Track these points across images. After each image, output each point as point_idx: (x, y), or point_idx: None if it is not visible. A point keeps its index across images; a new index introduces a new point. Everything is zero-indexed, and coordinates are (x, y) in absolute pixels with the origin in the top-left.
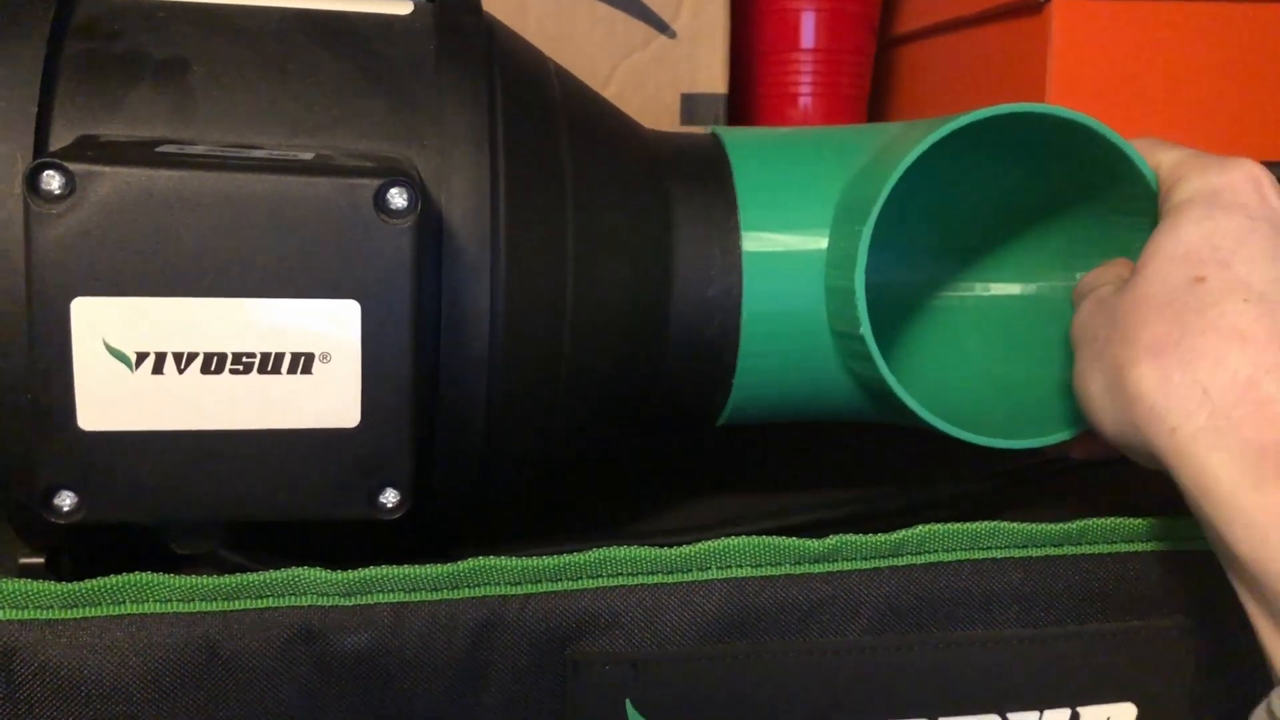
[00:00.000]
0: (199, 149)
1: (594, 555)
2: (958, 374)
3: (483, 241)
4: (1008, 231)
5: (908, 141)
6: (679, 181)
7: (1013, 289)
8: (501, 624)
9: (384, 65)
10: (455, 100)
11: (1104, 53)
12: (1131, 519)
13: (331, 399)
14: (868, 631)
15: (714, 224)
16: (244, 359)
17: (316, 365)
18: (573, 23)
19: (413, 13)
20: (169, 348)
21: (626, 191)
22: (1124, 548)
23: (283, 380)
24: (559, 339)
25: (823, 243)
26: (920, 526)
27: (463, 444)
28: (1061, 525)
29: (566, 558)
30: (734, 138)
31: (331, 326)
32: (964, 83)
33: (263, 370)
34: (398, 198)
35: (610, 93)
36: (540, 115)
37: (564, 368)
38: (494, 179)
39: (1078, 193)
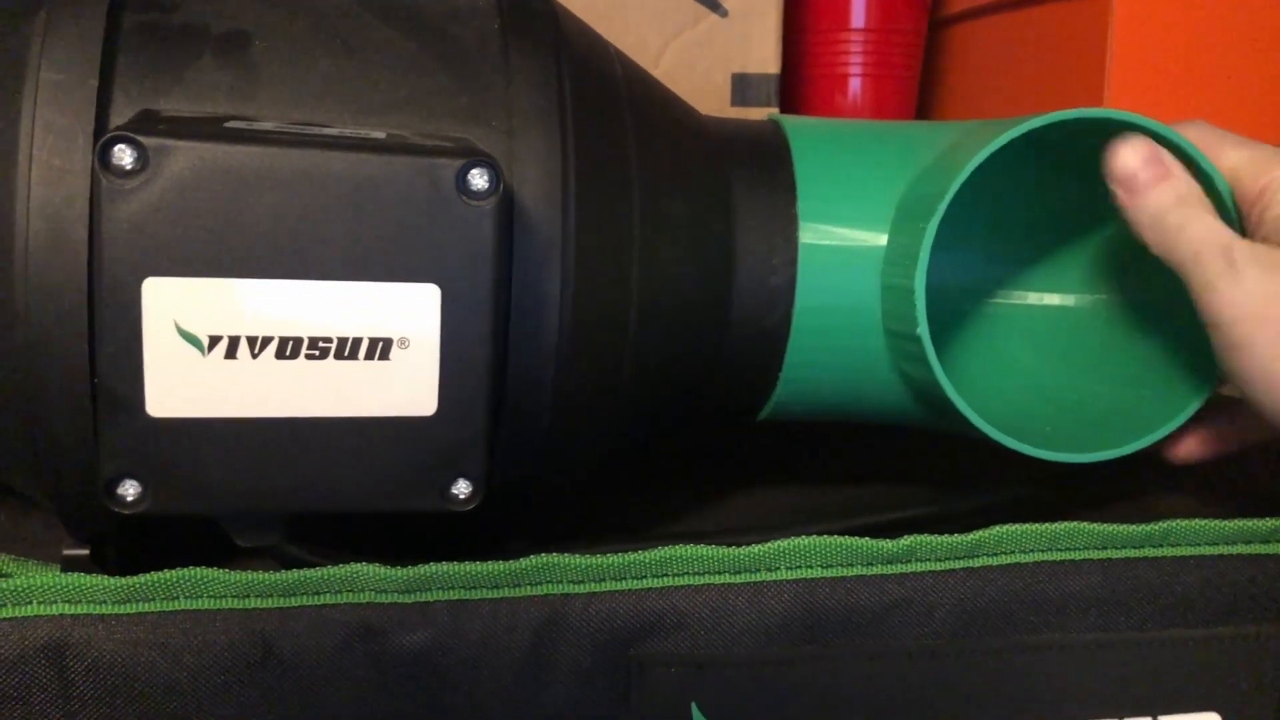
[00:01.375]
0: (269, 125)
1: (660, 553)
2: (1004, 383)
3: (553, 226)
4: (1060, 240)
5: (978, 140)
6: (740, 169)
7: (1063, 299)
8: (564, 623)
9: (450, 45)
10: (524, 82)
11: (1166, 34)
12: (1216, 521)
13: (410, 386)
14: (941, 635)
15: (775, 213)
16: (320, 344)
17: (395, 351)
18: (623, 0)
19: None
20: (243, 331)
21: (689, 178)
22: (1209, 550)
23: (360, 366)
24: (625, 326)
25: (881, 239)
26: (997, 527)
27: (527, 435)
28: (1143, 526)
29: (632, 556)
30: (795, 126)
31: (411, 311)
32: (1020, 65)
33: (340, 356)
34: (479, 179)
35: (659, 72)
36: (606, 99)
37: (628, 356)
38: (564, 163)
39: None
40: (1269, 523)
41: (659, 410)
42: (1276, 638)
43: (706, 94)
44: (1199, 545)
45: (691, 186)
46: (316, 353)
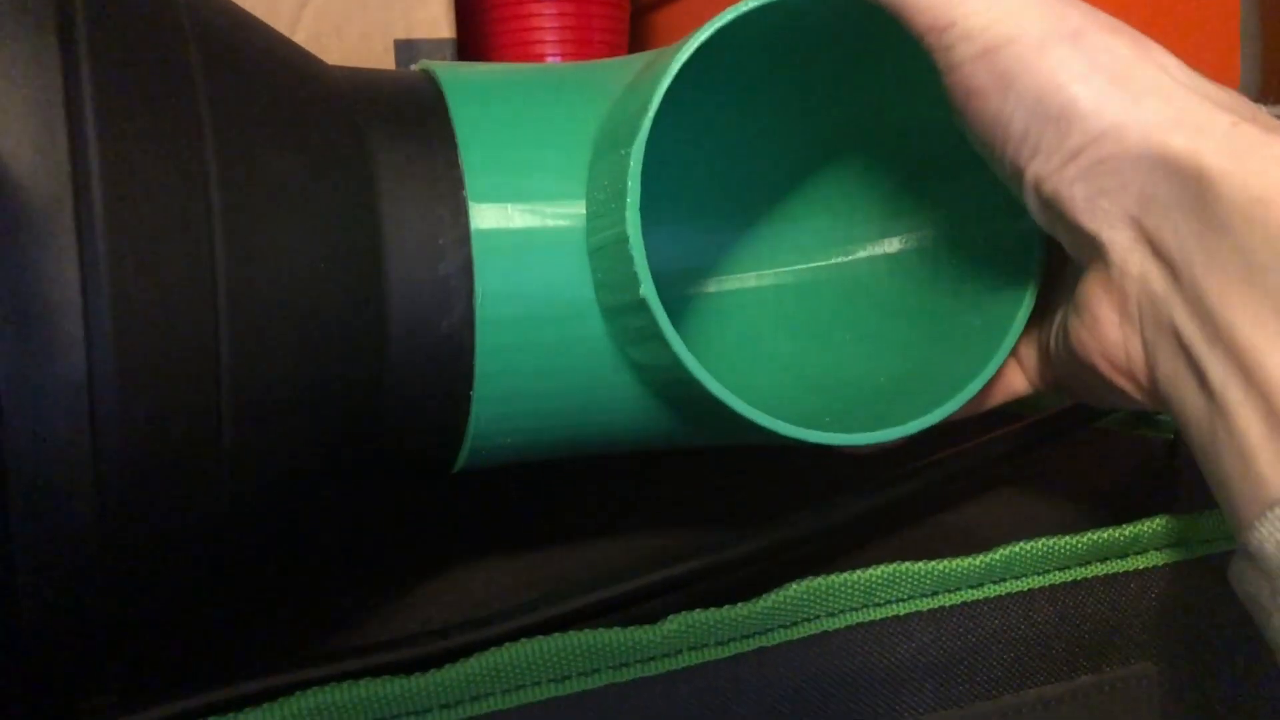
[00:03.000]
0: None
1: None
2: (763, 378)
3: (61, 208)
4: (806, 197)
5: (662, 63)
6: (380, 127)
7: (815, 265)
8: None
9: None
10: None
11: None
12: (1064, 537)
13: None
14: None
15: (434, 181)
16: None
17: None
18: None
19: None
20: None
21: (301, 131)
22: (1061, 577)
23: None
24: (210, 352)
25: (579, 202)
26: (792, 585)
27: (62, 552)
28: (979, 558)
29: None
30: (452, 74)
31: None
32: None
33: None
34: None
35: (299, 39)
36: (150, 28)
37: (222, 406)
38: (71, 113)
39: (880, 139)
40: (1127, 529)
41: (277, 496)
42: (1150, 677)
43: (363, 64)
44: (1049, 572)
45: (306, 144)
46: None
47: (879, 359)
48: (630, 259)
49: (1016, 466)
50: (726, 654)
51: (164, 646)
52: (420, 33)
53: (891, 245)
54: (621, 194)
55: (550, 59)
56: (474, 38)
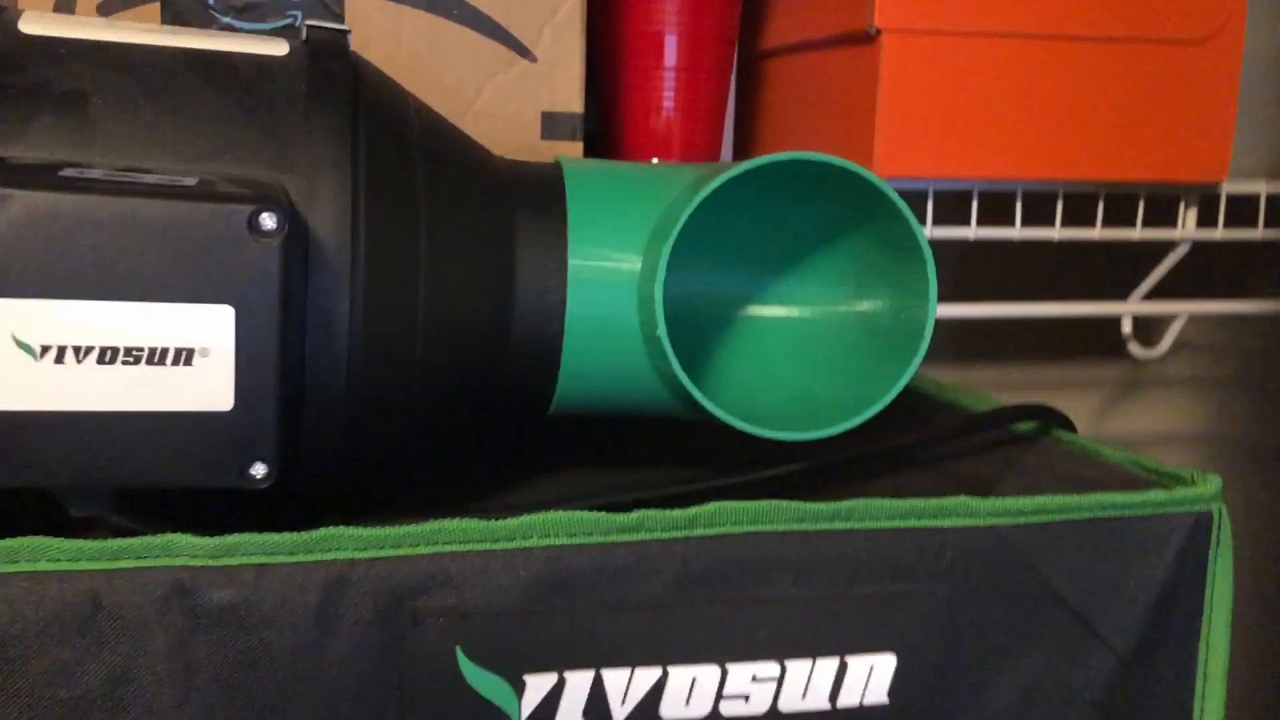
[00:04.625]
0: (97, 173)
1: (429, 526)
2: (766, 385)
3: (343, 257)
4: (808, 258)
5: (706, 180)
6: (522, 204)
7: (809, 311)
8: (349, 583)
9: (260, 101)
10: (322, 133)
11: (930, 81)
12: (892, 500)
13: (210, 387)
14: (666, 591)
15: (549, 242)
16: (133, 352)
17: (196, 359)
18: (444, 45)
19: (288, 54)
20: (69, 342)
21: (474, 214)
22: (886, 524)
23: (168, 370)
24: (412, 340)
25: (637, 261)
26: (711, 504)
27: (326, 428)
28: (834, 504)
29: (405, 528)
30: (573, 167)
31: (210, 327)
32: (811, 100)
33: (150, 362)
34: (268, 220)
35: (476, 110)
36: (398, 147)
37: (417, 364)
38: (354, 201)
39: (860, 224)
40: (933, 503)
41: (449, 410)
42: (938, 594)
43: (520, 129)
44: (879, 520)
45: (476, 222)
46: (131, 359)
47: (833, 382)
48: (654, 311)
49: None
50: (665, 536)
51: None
52: (560, 107)
53: (864, 305)
54: (656, 269)
55: (666, 113)
56: (610, 100)
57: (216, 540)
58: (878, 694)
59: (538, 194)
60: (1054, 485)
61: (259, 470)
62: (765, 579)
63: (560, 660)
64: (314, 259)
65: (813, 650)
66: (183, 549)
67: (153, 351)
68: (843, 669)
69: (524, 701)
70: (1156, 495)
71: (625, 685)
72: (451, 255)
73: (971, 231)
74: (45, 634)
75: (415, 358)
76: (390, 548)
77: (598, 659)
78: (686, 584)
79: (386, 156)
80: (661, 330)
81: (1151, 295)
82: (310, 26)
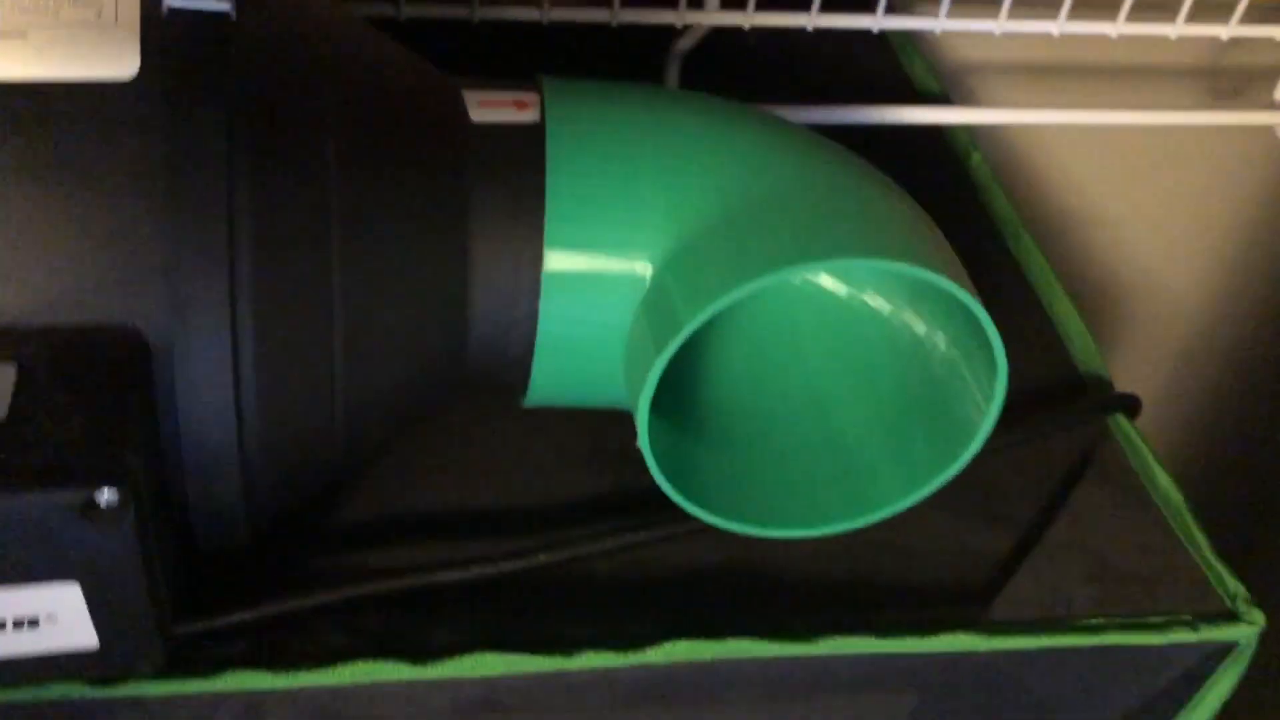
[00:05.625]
0: None
1: (355, 668)
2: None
3: (224, 374)
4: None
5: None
6: (483, 191)
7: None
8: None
9: (95, 186)
10: (192, 219)
11: None
12: (874, 638)
13: (67, 637)
14: (614, 706)
15: (518, 242)
16: None
17: (44, 623)
18: None
19: (137, 75)
20: None
21: (409, 214)
22: (862, 651)
23: (17, 634)
24: (329, 428)
25: (634, 266)
26: (664, 644)
27: (228, 531)
28: (801, 643)
29: (328, 671)
30: (558, 130)
31: (55, 598)
32: None
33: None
34: (107, 497)
35: None
36: (301, 174)
37: (338, 434)
38: (232, 293)
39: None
40: (912, 641)
41: (386, 445)
42: (905, 703)
43: None
44: (852, 649)
45: (411, 224)
46: None
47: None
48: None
49: None
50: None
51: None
52: None
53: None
54: (642, 380)
55: None
56: None
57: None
58: None
59: (507, 171)
60: (1081, 569)
61: (150, 663)
62: (721, 693)
63: None
64: (184, 386)
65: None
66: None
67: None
68: None
69: None
70: (1181, 635)
71: None
72: (377, 277)
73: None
74: None
75: (335, 428)
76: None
77: None
78: (636, 700)
79: (282, 187)
80: (643, 441)
81: None
82: (172, 10)
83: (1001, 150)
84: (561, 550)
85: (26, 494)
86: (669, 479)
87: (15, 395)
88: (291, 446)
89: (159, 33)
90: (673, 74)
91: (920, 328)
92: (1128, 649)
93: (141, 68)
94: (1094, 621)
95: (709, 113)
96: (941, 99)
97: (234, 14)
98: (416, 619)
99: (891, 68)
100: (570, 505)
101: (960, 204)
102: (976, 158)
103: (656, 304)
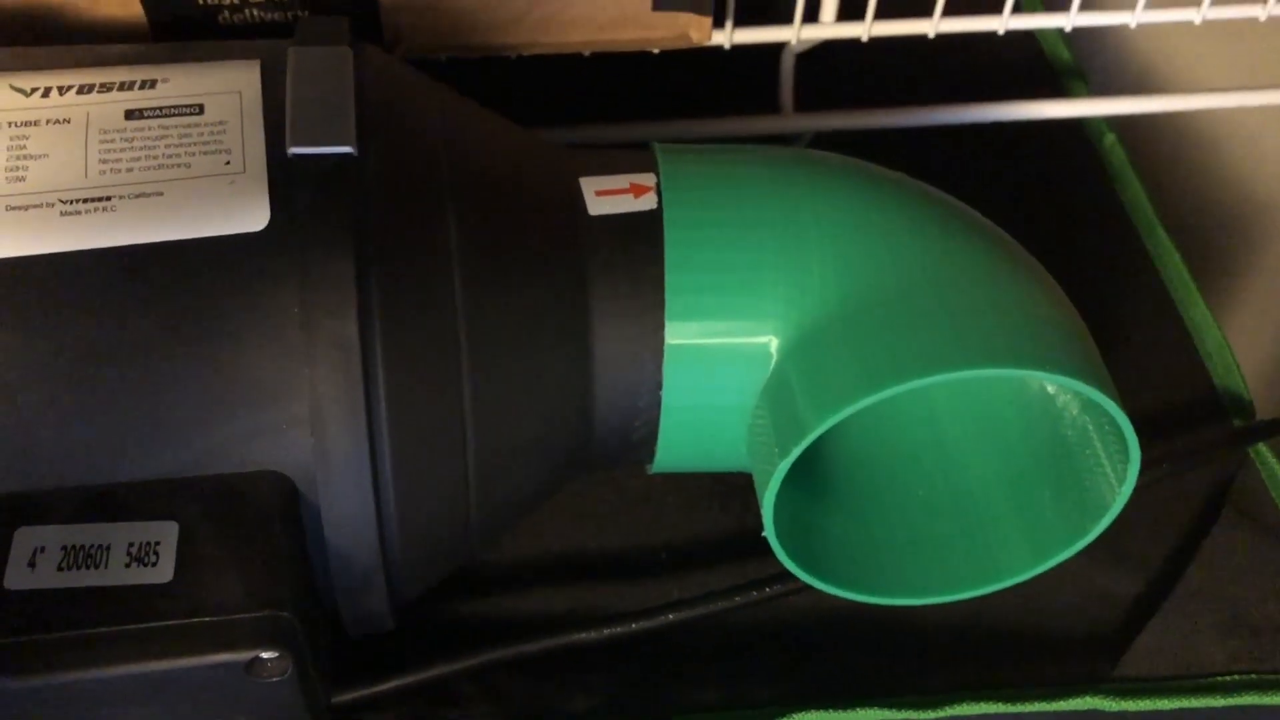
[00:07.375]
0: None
1: None
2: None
3: (367, 508)
4: None
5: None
6: (603, 279)
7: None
8: None
9: (239, 341)
10: (326, 376)
11: None
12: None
13: None
14: None
15: (640, 327)
16: None
17: None
18: None
19: (266, 231)
20: None
21: (538, 341)
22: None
23: None
24: (464, 533)
25: (760, 339)
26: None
27: (370, 626)
28: (933, 711)
29: None
30: (679, 211)
31: None
32: None
33: None
34: (269, 658)
35: None
36: (429, 320)
37: (473, 539)
38: (372, 441)
39: None
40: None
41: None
42: None
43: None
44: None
45: (534, 314)
46: None
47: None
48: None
49: None
50: None
51: None
52: None
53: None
54: (769, 478)
55: None
56: None
57: None
58: None
59: (621, 246)
60: (1215, 618)
61: None
62: None
63: None
64: (334, 513)
65: None
66: None
67: None
68: None
69: None
70: None
71: None
72: (505, 394)
73: None
74: None
75: (470, 532)
76: None
77: None
78: None
79: (413, 325)
80: (770, 534)
81: None
82: (298, 155)
83: (1138, 134)
84: (689, 609)
85: (197, 658)
86: (793, 543)
87: (179, 552)
88: (431, 555)
89: (285, 177)
90: (787, 89)
91: (1050, 386)
92: (1267, 710)
93: (271, 220)
94: (1230, 679)
95: (834, 189)
96: (1074, 70)
97: (357, 152)
98: (553, 685)
99: (1020, 34)
100: (697, 543)
101: (1089, 190)
102: (1110, 139)
103: (779, 399)
